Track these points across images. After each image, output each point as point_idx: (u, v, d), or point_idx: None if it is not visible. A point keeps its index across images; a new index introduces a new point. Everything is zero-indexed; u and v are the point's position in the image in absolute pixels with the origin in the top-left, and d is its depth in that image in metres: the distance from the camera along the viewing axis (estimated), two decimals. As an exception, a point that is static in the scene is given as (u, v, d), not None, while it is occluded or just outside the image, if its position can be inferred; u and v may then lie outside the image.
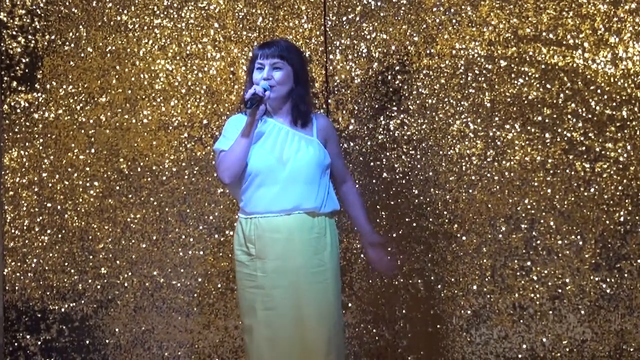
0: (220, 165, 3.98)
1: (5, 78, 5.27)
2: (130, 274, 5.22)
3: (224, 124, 4.15)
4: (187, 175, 5.22)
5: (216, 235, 5.17)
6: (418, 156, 5.13)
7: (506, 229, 5.07)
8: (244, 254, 4.00)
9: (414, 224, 5.12)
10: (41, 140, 5.24)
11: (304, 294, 3.94)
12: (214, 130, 5.18)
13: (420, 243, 5.12)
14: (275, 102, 4.05)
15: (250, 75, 4.08)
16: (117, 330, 5.23)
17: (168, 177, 5.23)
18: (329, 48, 5.16)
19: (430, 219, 5.11)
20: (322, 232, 4.02)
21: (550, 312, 5.05)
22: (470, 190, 5.09)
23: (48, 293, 5.22)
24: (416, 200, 5.12)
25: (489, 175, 5.10)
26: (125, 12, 5.27)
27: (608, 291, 5.03)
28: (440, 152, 5.11)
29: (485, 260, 5.08)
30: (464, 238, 5.10)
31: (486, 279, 5.08)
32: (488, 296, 5.08)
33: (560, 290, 5.04)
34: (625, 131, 5.02)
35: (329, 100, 5.17)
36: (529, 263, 5.06)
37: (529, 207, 5.07)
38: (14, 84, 5.28)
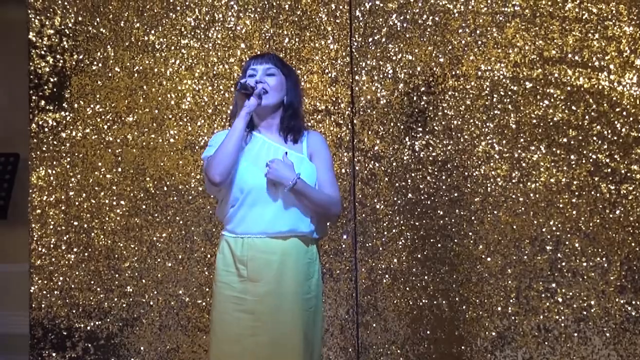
0: (210, 165, 3.72)
1: (34, 97, 5.26)
2: (155, 292, 5.20)
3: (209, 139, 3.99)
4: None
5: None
6: (443, 177, 5.12)
7: (531, 250, 5.06)
8: (232, 275, 3.73)
9: (439, 245, 5.11)
10: (68, 159, 5.24)
11: (293, 320, 3.71)
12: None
13: (445, 264, 5.10)
14: (264, 111, 3.83)
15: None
16: (142, 348, 5.20)
17: (194, 196, 5.21)
18: (355, 69, 5.16)
19: (455, 240, 5.10)
20: (312, 259, 3.82)
21: (575, 334, 5.03)
22: (495, 212, 5.08)
23: (74, 311, 5.21)
24: (441, 221, 5.11)
25: (514, 196, 5.09)
26: (153, 32, 5.27)
27: (633, 314, 5.00)
28: (466, 173, 5.11)
29: (510, 282, 5.06)
30: (488, 259, 5.08)
31: (511, 301, 5.06)
32: (513, 318, 5.06)
33: (585, 313, 5.02)
34: (651, 153, 5.00)
35: (355, 121, 5.16)
36: (553, 285, 5.04)
37: (554, 228, 5.06)
38: (42, 103, 5.27)
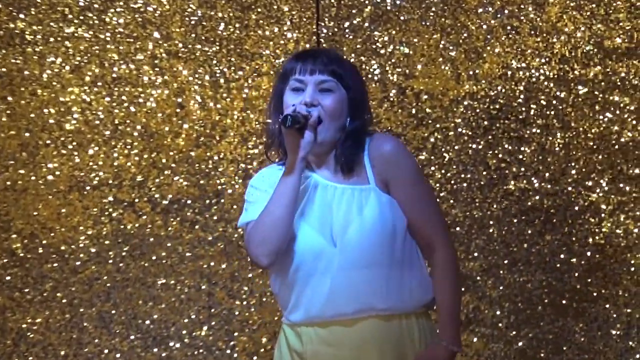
0: (252, 241, 3.16)
1: None
2: None
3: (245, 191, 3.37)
4: (113, 258, 4.63)
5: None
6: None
7: None
8: None
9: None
10: None
11: None
12: (153, 192, 4.57)
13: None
14: (319, 149, 3.18)
15: (279, 102, 3.17)
16: None
17: (84, 261, 4.60)
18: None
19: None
20: (412, 337, 3.14)
21: None
22: None
23: None
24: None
25: None
26: (22, 16, 4.68)
27: None
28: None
29: None
30: None
31: None
32: None
33: None
34: None
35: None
36: None
37: None
38: None
